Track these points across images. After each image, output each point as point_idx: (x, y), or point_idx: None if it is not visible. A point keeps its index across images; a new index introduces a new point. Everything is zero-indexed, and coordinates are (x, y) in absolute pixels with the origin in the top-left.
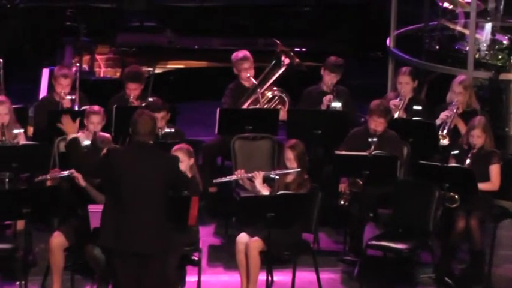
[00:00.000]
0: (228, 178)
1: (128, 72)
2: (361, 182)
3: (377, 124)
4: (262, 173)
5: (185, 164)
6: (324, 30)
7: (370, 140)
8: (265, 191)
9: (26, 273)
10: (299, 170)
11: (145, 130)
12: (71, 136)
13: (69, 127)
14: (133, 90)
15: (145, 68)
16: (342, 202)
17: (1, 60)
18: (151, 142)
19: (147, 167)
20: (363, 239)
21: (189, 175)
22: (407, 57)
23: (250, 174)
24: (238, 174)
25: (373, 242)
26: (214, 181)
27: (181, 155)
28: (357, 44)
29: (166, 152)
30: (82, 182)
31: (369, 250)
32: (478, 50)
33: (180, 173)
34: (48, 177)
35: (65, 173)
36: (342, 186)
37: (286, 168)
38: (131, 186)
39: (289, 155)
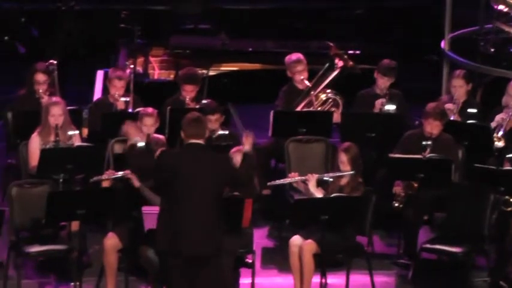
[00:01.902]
0: (282, 181)
1: (184, 74)
2: (415, 185)
3: (433, 127)
4: (316, 176)
5: None
6: (378, 32)
7: (424, 143)
8: (318, 194)
9: (80, 274)
10: (353, 172)
11: (196, 132)
12: (134, 141)
13: (132, 131)
14: (189, 92)
15: (199, 70)
16: (396, 205)
17: (56, 62)
18: (203, 143)
19: (199, 168)
20: (417, 242)
21: None
22: (462, 60)
23: (304, 177)
24: (292, 177)
25: (428, 246)
26: (269, 184)
27: (239, 158)
28: (411, 47)
29: (219, 153)
30: (136, 183)
31: (423, 253)
32: None
33: (235, 170)
34: (103, 178)
35: (120, 174)
36: (397, 189)
37: (340, 171)
38: (185, 188)
39: (343, 157)
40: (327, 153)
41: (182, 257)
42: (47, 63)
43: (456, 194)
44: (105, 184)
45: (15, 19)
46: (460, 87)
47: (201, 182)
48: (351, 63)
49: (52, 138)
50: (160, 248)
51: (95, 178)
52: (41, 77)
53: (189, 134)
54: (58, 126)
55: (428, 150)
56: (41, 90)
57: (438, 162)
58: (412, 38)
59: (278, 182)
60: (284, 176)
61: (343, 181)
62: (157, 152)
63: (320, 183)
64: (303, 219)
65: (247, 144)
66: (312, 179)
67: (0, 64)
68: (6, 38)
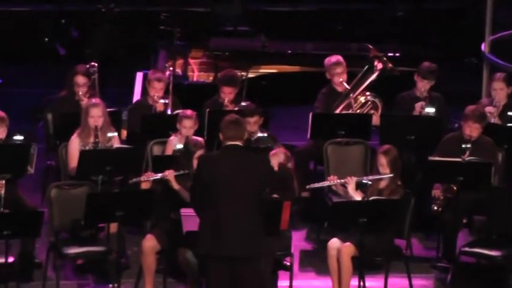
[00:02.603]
0: (320, 184)
1: (223, 75)
2: (455, 188)
3: (472, 130)
4: (355, 179)
5: None
6: (418, 35)
7: (464, 146)
8: (357, 197)
9: (119, 276)
10: (392, 175)
11: (234, 134)
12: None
13: None
14: (228, 94)
15: (238, 72)
16: (436, 208)
17: (96, 64)
18: (241, 145)
19: (239, 170)
20: (456, 246)
21: None
22: (502, 63)
23: (342, 180)
24: (331, 180)
25: (467, 249)
26: (307, 187)
27: (277, 160)
28: (451, 50)
29: (258, 155)
30: (175, 185)
31: (463, 257)
32: None
33: (274, 173)
34: (142, 180)
35: (159, 175)
36: (436, 192)
37: (379, 173)
38: (224, 190)
39: (382, 160)
40: (365, 156)
41: (222, 259)
42: (87, 66)
43: (495, 197)
44: (144, 186)
45: (55, 20)
46: (500, 90)
47: (240, 184)
48: (390, 65)
49: (91, 139)
50: (200, 249)
51: (134, 179)
52: (81, 79)
53: (227, 136)
54: (97, 128)
55: (467, 153)
56: (80, 93)
57: (478, 165)
58: (452, 40)
59: (317, 185)
60: (323, 179)
61: (382, 184)
62: (196, 154)
63: (359, 186)
64: (342, 222)
65: (273, 160)
66: (351, 182)
67: (40, 66)
68: (46, 39)
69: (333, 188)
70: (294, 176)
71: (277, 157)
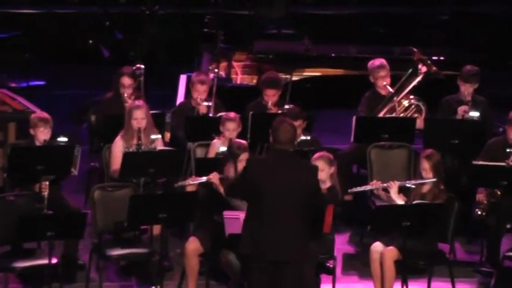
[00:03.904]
0: (362, 188)
1: (266, 78)
2: (499, 193)
3: None
4: (397, 183)
5: (326, 172)
6: (463, 38)
7: (508, 150)
8: (400, 201)
9: (161, 278)
10: (435, 180)
11: (286, 138)
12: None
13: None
14: (271, 97)
15: (282, 76)
16: (479, 212)
17: (143, 66)
18: (292, 150)
19: (287, 175)
20: (500, 250)
21: (329, 183)
22: None
23: (385, 184)
24: (374, 184)
25: (511, 254)
26: (350, 191)
27: (322, 163)
28: (496, 53)
29: (305, 160)
30: (219, 188)
31: (506, 261)
32: None
33: (319, 185)
34: (187, 183)
35: (204, 178)
36: (480, 197)
37: (422, 177)
38: (272, 194)
39: (425, 165)
40: (409, 160)
41: (265, 262)
42: (134, 67)
43: None
44: (189, 188)
45: (99, 22)
46: None
47: (286, 190)
48: (434, 68)
49: (135, 141)
50: (244, 252)
51: (180, 183)
52: (126, 80)
53: (278, 140)
54: (141, 130)
55: None
56: (126, 94)
57: None
58: (497, 43)
59: (359, 188)
60: (366, 182)
61: (425, 188)
62: (240, 157)
63: (402, 190)
64: (385, 226)
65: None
66: (394, 186)
67: (84, 67)
68: (90, 41)
69: (376, 192)
70: (336, 179)
71: (320, 161)
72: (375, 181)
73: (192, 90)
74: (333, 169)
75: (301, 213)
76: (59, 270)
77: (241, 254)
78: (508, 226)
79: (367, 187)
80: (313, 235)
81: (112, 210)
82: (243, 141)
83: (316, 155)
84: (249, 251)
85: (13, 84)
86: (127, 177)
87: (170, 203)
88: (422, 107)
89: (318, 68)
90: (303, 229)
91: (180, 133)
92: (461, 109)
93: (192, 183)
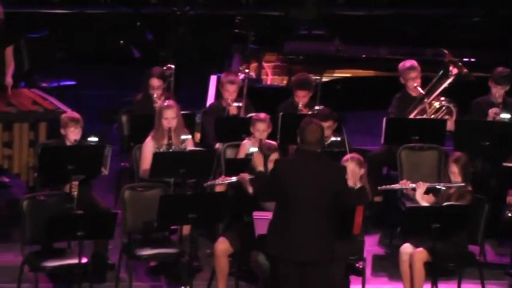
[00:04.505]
0: (392, 186)
1: (297, 79)
2: None
3: None
4: (426, 185)
5: (356, 173)
6: (494, 40)
7: None
8: (424, 203)
9: (191, 278)
10: (463, 185)
11: (313, 138)
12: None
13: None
14: (302, 98)
15: (312, 77)
16: (510, 215)
17: (173, 67)
18: (319, 151)
19: (315, 176)
20: None
21: (359, 185)
22: None
23: (413, 185)
24: (403, 184)
25: None
26: (379, 188)
27: (352, 165)
28: None
29: (334, 161)
30: (250, 189)
31: None
32: None
33: (347, 185)
34: (217, 183)
35: (234, 178)
36: (510, 199)
37: (450, 180)
38: (299, 194)
39: (454, 168)
40: (439, 161)
41: (293, 263)
42: (164, 68)
43: None
44: (218, 189)
45: (130, 23)
46: None
47: (313, 191)
48: (465, 70)
49: (165, 141)
50: (272, 253)
51: (209, 183)
52: (155, 81)
53: (306, 140)
54: (171, 130)
55: None
56: (155, 95)
57: None
58: None
59: (388, 187)
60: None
61: (452, 189)
62: (270, 157)
63: (431, 191)
64: (415, 227)
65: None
66: (421, 187)
67: (115, 68)
68: (121, 41)
69: (405, 192)
70: (366, 181)
71: (351, 163)
72: (404, 180)
73: (222, 90)
74: (362, 170)
75: (328, 214)
76: (89, 270)
77: (270, 255)
78: None
79: (397, 186)
80: (342, 236)
81: (142, 211)
82: (273, 142)
83: (347, 156)
84: (276, 251)
85: (44, 84)
86: (157, 177)
87: (200, 204)
88: (453, 109)
89: (349, 69)
90: (330, 230)
91: (210, 133)
92: (491, 111)
93: (222, 183)
